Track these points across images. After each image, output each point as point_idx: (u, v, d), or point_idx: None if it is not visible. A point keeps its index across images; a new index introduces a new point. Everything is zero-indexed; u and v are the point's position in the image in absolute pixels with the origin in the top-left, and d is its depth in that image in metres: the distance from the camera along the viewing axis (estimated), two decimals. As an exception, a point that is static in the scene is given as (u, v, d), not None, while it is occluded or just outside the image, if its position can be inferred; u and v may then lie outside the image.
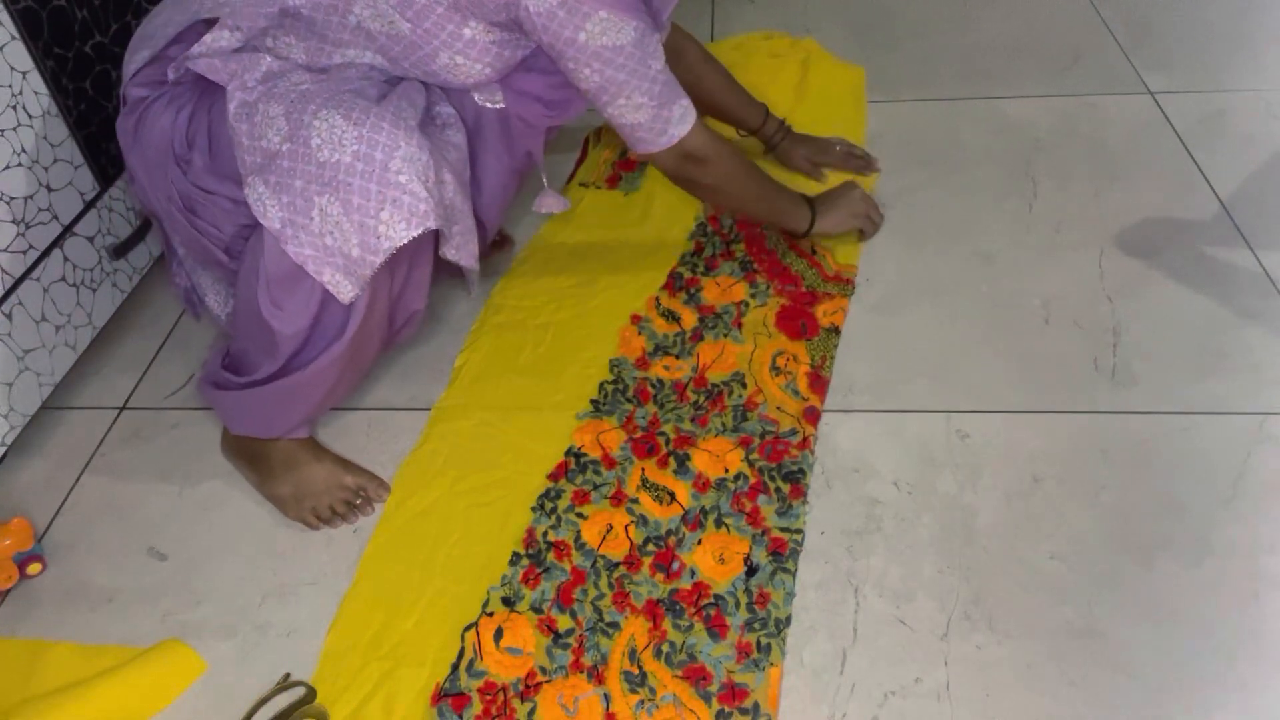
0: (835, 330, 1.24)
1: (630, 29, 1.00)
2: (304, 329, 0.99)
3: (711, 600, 0.96)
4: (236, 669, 0.95)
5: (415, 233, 0.93)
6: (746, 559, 0.99)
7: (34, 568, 1.04)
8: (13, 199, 1.07)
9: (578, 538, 1.02)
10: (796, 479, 1.06)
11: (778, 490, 1.05)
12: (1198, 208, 1.39)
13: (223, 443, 1.16)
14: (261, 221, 0.94)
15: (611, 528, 1.03)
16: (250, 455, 1.11)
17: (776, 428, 1.12)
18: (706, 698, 0.89)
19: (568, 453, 1.11)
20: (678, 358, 1.22)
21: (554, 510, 1.05)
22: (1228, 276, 1.28)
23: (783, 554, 1.00)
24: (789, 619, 0.95)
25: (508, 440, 1.13)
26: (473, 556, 1.02)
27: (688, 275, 1.33)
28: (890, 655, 0.91)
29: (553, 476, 1.09)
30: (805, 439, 1.10)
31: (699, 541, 1.01)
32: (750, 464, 1.08)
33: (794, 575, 0.98)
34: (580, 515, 1.04)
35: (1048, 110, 1.61)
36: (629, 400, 1.17)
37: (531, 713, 0.89)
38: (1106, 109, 1.60)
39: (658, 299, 1.30)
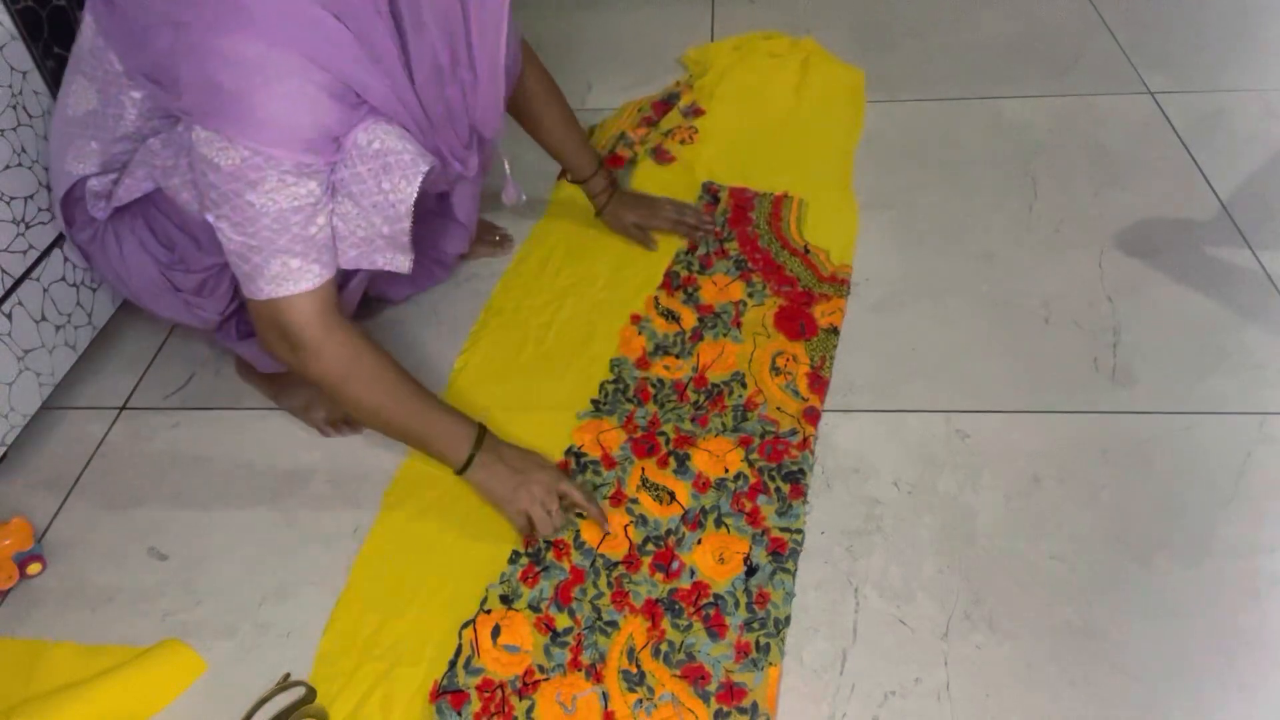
0: (834, 330, 1.24)
1: (238, 153, 0.86)
2: None
3: (711, 600, 0.96)
4: (236, 669, 0.95)
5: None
6: (746, 559, 0.99)
7: (34, 568, 1.04)
8: (13, 199, 1.07)
9: (577, 537, 1.02)
10: (796, 479, 1.06)
11: (778, 490, 1.05)
12: (1198, 208, 1.39)
13: (238, 368, 1.25)
14: None
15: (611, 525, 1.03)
16: (266, 376, 1.21)
17: (776, 428, 1.12)
18: (705, 697, 0.89)
19: (568, 452, 1.11)
20: (678, 358, 1.22)
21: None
22: (1228, 276, 1.28)
23: (782, 554, 1.00)
24: (788, 619, 0.95)
25: (509, 439, 1.13)
26: (471, 555, 1.02)
27: (684, 274, 1.33)
28: (890, 655, 0.91)
29: None
30: (805, 439, 1.10)
31: (699, 541, 1.01)
32: (750, 464, 1.08)
33: (793, 575, 0.98)
34: (580, 515, 1.04)
35: (1048, 110, 1.61)
36: (629, 400, 1.17)
37: (530, 710, 0.89)
38: (1106, 109, 1.60)
39: (656, 299, 1.30)
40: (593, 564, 1.00)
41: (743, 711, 0.88)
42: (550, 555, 1.01)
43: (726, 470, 1.08)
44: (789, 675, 0.91)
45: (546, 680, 0.91)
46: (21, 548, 1.03)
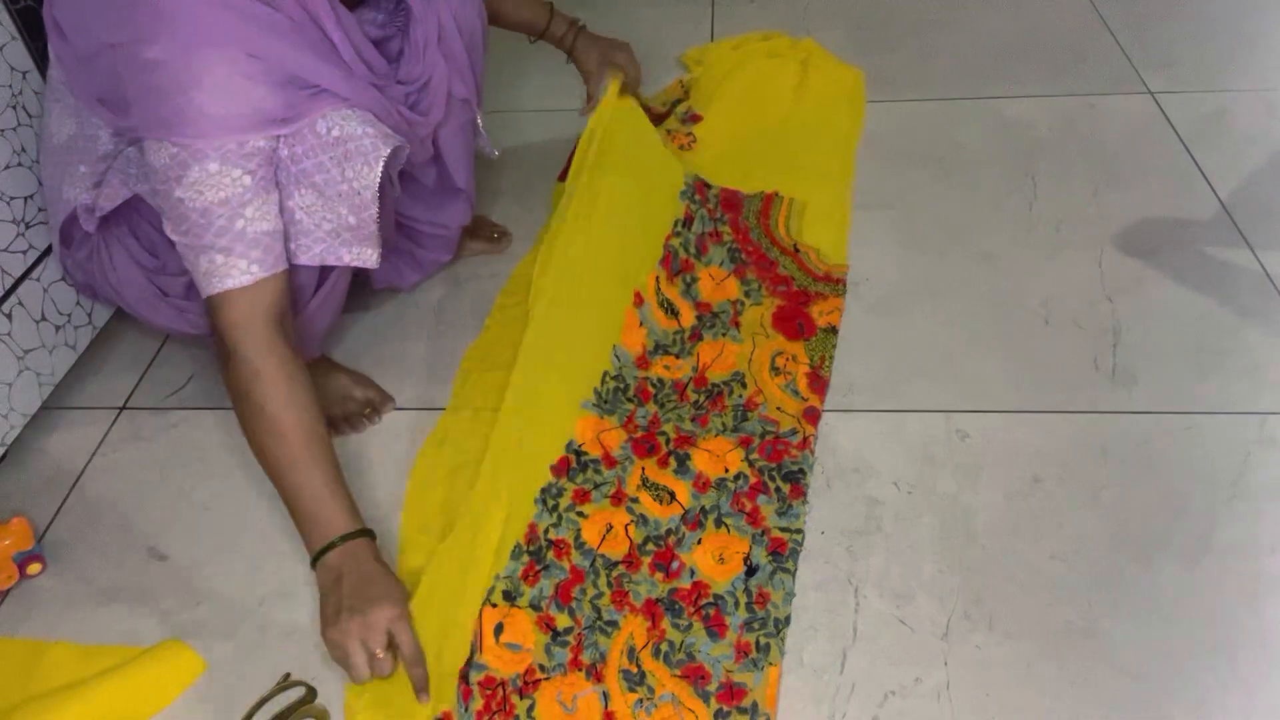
0: (833, 330, 1.24)
1: (167, 150, 0.88)
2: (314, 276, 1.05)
3: (711, 600, 0.96)
4: (236, 669, 0.95)
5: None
6: (746, 559, 0.99)
7: (34, 568, 1.04)
8: (13, 199, 1.07)
9: (577, 537, 1.02)
10: (797, 479, 1.06)
11: (778, 490, 1.05)
12: (1198, 208, 1.39)
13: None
14: None
15: (611, 527, 1.03)
16: None
17: (776, 428, 1.12)
18: (705, 697, 0.89)
19: (568, 448, 1.11)
20: (678, 357, 1.21)
21: (555, 507, 1.05)
22: (1228, 276, 1.28)
23: (782, 554, 0.99)
24: (788, 619, 0.95)
25: (515, 431, 1.09)
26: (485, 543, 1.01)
27: (682, 255, 1.31)
28: (890, 655, 0.91)
29: (555, 470, 1.08)
30: (805, 439, 1.10)
31: (699, 541, 1.01)
32: (750, 464, 1.08)
33: (793, 575, 0.98)
34: (580, 514, 1.04)
35: (1048, 110, 1.61)
36: (630, 400, 1.16)
37: (530, 709, 0.89)
38: (1106, 109, 1.60)
39: (658, 279, 1.26)
40: (592, 564, 1.00)
41: (743, 711, 0.88)
42: (551, 554, 1.01)
43: (726, 470, 1.08)
44: (789, 675, 0.91)
45: (547, 680, 0.91)
46: (21, 547, 1.03)
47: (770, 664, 0.91)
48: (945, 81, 1.70)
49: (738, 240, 1.36)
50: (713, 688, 0.90)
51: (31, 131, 1.09)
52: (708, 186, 1.44)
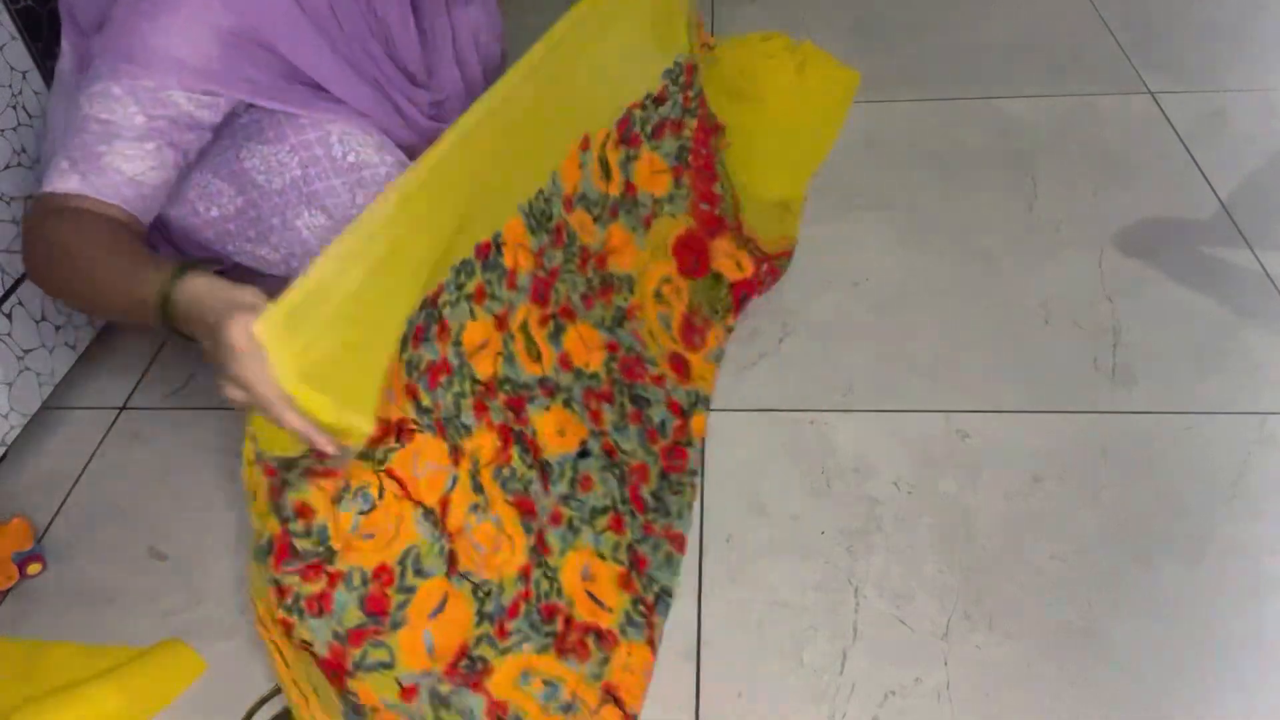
0: (720, 279, 1.24)
1: (95, 66, 0.86)
2: None
3: (544, 460, 0.99)
4: (236, 669, 0.95)
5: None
6: (583, 443, 1.02)
7: (34, 568, 1.04)
8: (13, 199, 1.07)
9: (460, 331, 0.95)
10: (640, 405, 1.09)
11: (621, 406, 1.07)
12: (1198, 208, 1.39)
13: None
14: (272, 273, 0.98)
15: (487, 343, 0.98)
16: None
17: (642, 350, 1.13)
18: (528, 530, 0.92)
19: (495, 238, 1.00)
20: (594, 221, 1.15)
21: (459, 288, 0.96)
22: (1228, 276, 1.28)
23: (614, 459, 1.02)
24: (604, 510, 0.99)
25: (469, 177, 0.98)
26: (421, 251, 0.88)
27: (636, 129, 1.22)
28: (890, 655, 0.91)
29: (478, 251, 0.98)
30: (660, 376, 1.13)
31: (547, 409, 1.02)
32: (608, 371, 1.09)
33: (620, 481, 1.02)
34: (471, 314, 0.96)
35: (1048, 110, 1.61)
36: (548, 233, 1.09)
37: (389, 453, 0.85)
38: (1106, 109, 1.60)
39: (608, 136, 1.17)
40: (460, 366, 0.95)
41: (547, 571, 0.91)
42: (435, 330, 0.92)
43: (588, 365, 1.08)
44: (789, 675, 0.91)
45: (419, 432, 0.87)
46: (21, 548, 1.03)
47: (574, 549, 0.94)
48: (945, 81, 1.70)
49: (695, 139, 1.29)
50: (535, 527, 0.92)
51: (31, 131, 1.09)
52: (696, 71, 1.33)
